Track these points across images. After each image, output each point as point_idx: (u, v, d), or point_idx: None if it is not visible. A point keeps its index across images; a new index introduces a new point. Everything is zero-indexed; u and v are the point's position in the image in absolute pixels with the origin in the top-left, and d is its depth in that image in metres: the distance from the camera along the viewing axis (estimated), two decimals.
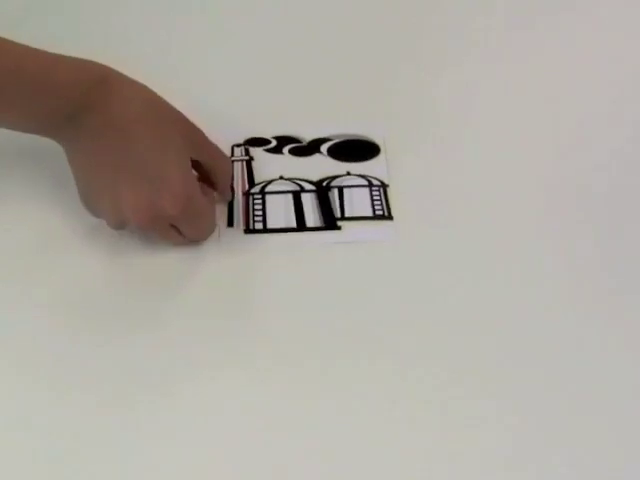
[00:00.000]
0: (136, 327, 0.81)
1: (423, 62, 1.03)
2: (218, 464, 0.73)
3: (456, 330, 0.81)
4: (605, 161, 0.94)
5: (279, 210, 0.90)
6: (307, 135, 0.96)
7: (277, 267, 0.86)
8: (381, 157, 0.94)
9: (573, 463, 0.72)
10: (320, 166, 0.94)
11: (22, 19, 1.06)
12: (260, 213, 0.89)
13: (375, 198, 0.91)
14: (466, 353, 0.79)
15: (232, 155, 0.94)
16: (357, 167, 0.93)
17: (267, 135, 0.96)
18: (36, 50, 0.81)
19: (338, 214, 0.90)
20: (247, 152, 0.94)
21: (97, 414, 0.75)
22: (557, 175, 0.92)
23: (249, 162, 0.94)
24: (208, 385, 0.77)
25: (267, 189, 0.91)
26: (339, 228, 0.89)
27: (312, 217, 0.89)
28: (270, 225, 0.89)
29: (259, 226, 0.89)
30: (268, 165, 0.94)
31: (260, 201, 0.90)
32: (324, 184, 0.92)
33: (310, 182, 0.92)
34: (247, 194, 0.91)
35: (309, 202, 0.90)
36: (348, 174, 0.93)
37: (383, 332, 0.81)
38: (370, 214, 0.90)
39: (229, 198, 0.90)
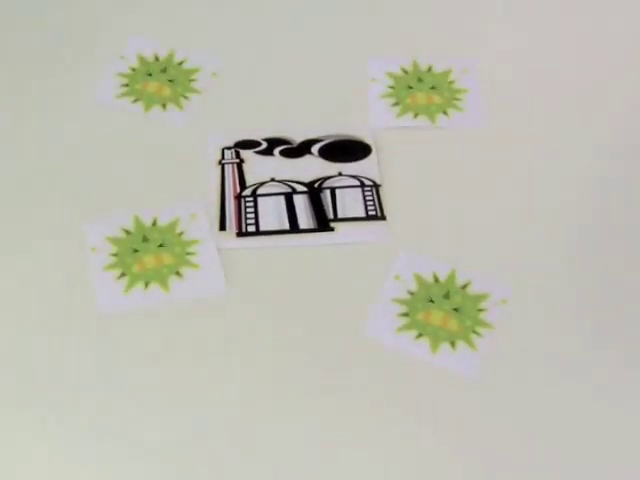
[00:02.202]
0: (132, 337, 0.81)
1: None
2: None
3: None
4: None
5: (271, 212, 0.89)
6: (297, 136, 0.95)
7: (270, 270, 0.85)
8: (372, 157, 0.94)
9: None
10: (311, 167, 0.93)
11: None
12: (252, 216, 0.89)
13: (367, 198, 0.90)
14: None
15: (223, 158, 0.93)
16: (348, 167, 0.93)
17: (257, 137, 0.95)
18: None
19: (331, 215, 0.89)
20: (238, 155, 0.94)
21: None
22: (553, 174, 0.92)
23: (240, 165, 0.93)
24: (208, 389, 0.77)
25: (259, 191, 0.91)
26: (332, 229, 0.88)
27: (305, 219, 0.89)
28: (263, 227, 0.88)
29: (252, 229, 0.88)
30: (259, 167, 0.93)
31: (252, 204, 0.90)
32: (316, 185, 0.91)
33: (302, 183, 0.91)
34: (239, 197, 0.90)
35: (301, 204, 0.90)
36: (340, 175, 0.92)
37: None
38: (363, 214, 0.89)
39: None
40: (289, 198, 0.90)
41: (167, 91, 0.99)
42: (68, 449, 0.74)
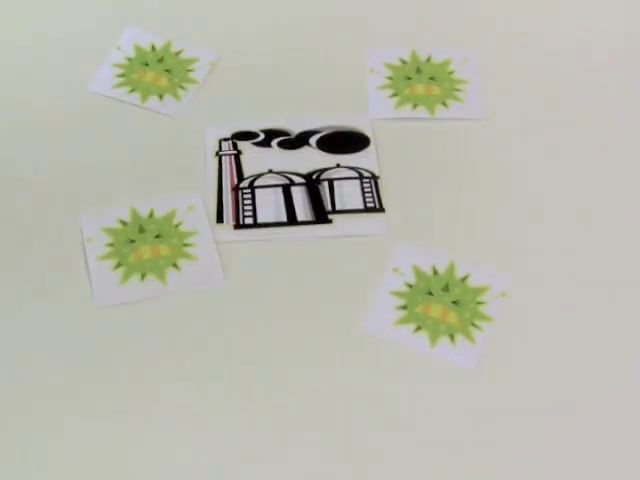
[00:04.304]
0: (129, 328, 0.81)
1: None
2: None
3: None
4: None
5: (269, 204, 0.89)
6: (295, 128, 0.95)
7: (268, 262, 0.85)
8: (371, 148, 0.93)
9: None
10: (309, 159, 0.93)
11: None
12: (250, 208, 0.88)
13: (366, 190, 0.90)
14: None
15: (220, 149, 0.93)
16: (347, 159, 0.92)
17: (255, 128, 0.95)
18: None
19: (329, 207, 0.89)
20: (235, 146, 0.93)
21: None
22: (553, 164, 0.92)
23: (237, 156, 0.92)
24: (205, 380, 0.77)
25: (256, 183, 0.90)
26: (330, 221, 0.88)
27: (303, 211, 0.88)
28: (260, 220, 0.88)
29: (249, 221, 0.88)
30: (257, 159, 0.92)
31: (249, 195, 0.89)
32: (314, 177, 0.91)
33: (300, 175, 0.91)
34: (236, 189, 0.90)
35: (299, 195, 0.89)
36: (338, 166, 0.92)
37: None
38: (361, 206, 0.89)
39: None
40: (287, 190, 0.90)
41: (164, 81, 0.98)
42: (64, 443, 0.74)
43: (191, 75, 0.99)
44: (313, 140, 0.94)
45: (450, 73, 1.00)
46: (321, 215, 0.88)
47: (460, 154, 0.93)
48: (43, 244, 0.86)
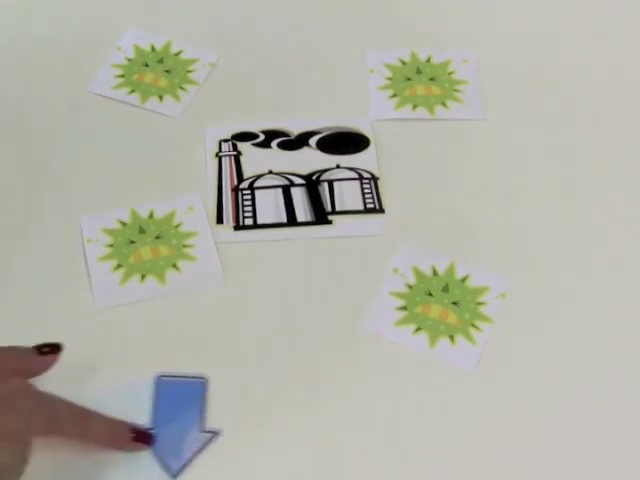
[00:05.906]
0: (129, 330, 0.81)
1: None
2: None
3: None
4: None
5: (269, 205, 0.89)
6: (295, 128, 0.95)
7: (268, 263, 0.85)
8: (371, 149, 0.93)
9: None
10: (309, 159, 0.92)
11: None
12: (250, 209, 0.88)
13: (366, 191, 0.90)
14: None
15: (220, 150, 0.93)
16: (347, 160, 0.92)
17: (255, 129, 0.95)
18: None
19: (329, 208, 0.89)
20: (235, 147, 0.93)
21: None
22: (553, 165, 0.92)
23: (237, 157, 0.92)
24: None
25: (256, 184, 0.90)
26: (330, 222, 0.88)
27: (302, 212, 0.88)
28: (260, 221, 0.88)
29: (249, 222, 0.88)
30: (257, 160, 0.92)
31: (249, 196, 0.89)
32: (314, 178, 0.91)
33: (299, 176, 0.91)
34: (236, 190, 0.90)
35: (299, 196, 0.89)
36: (338, 167, 0.92)
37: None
38: (361, 207, 0.89)
39: None
40: (287, 191, 0.90)
41: (164, 82, 0.98)
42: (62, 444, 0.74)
43: (191, 76, 0.99)
44: (313, 141, 0.94)
45: (450, 73, 1.00)
46: (321, 216, 0.88)
47: (460, 154, 0.93)
48: (43, 245, 0.85)
